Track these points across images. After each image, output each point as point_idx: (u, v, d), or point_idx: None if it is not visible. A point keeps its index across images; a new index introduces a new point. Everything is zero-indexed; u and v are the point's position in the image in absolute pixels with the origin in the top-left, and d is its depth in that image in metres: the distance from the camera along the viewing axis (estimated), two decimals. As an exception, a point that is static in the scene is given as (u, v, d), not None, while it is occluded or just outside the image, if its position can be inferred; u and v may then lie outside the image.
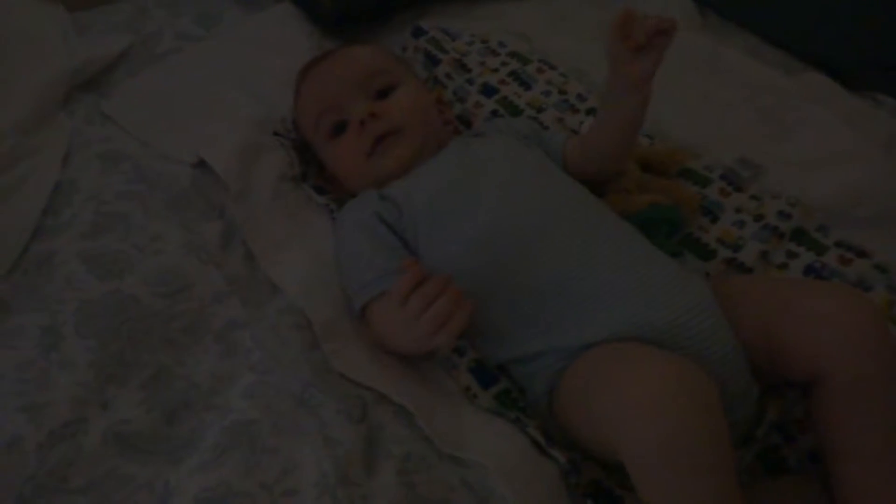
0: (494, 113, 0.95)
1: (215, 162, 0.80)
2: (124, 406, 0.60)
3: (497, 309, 0.67)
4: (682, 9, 1.13)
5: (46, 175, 0.81)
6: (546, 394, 0.66)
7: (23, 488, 0.54)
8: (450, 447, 0.59)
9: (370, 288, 0.68)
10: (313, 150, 0.86)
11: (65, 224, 0.74)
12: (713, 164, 0.87)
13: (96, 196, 0.77)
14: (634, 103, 0.72)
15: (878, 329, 0.58)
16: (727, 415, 0.53)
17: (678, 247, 0.78)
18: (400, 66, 0.87)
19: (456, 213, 0.70)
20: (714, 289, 0.67)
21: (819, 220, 0.80)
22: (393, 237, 0.71)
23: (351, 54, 0.85)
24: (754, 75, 0.99)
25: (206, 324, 0.67)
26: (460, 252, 0.69)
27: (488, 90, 0.98)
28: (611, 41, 0.68)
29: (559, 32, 1.09)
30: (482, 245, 0.68)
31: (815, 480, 0.62)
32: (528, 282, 0.66)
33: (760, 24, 1.11)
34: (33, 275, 0.69)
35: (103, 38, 1.05)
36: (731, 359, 0.62)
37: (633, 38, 0.66)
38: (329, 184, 0.85)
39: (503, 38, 1.06)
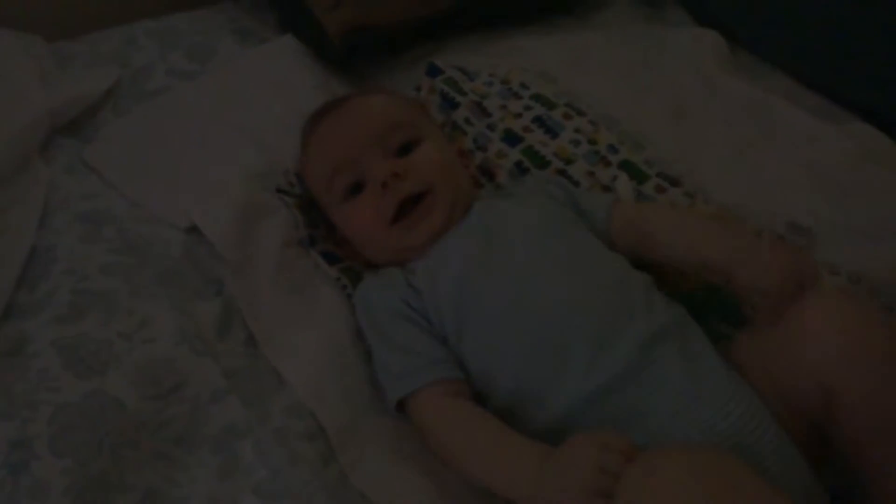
0: (518, 164, 0.87)
1: (210, 230, 0.71)
2: (106, 545, 0.51)
3: (539, 416, 0.59)
4: (713, 46, 1.05)
5: (21, 239, 0.72)
6: None
7: None
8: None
9: (418, 375, 0.60)
10: (322, 210, 0.77)
11: (40, 302, 0.66)
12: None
13: (76, 270, 0.68)
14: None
15: (879, 336, 0.54)
16: None
17: (729, 329, 0.70)
18: (422, 117, 0.78)
19: (483, 311, 0.62)
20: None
21: (884, 300, 0.72)
22: (426, 323, 0.64)
23: (368, 104, 0.76)
24: (798, 125, 0.92)
25: (201, 430, 0.59)
26: (494, 349, 0.61)
27: (511, 138, 0.89)
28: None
29: (584, 72, 1.01)
30: (518, 342, 0.60)
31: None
32: (573, 385, 0.58)
33: (797, 66, 1.03)
34: (3, 369, 0.60)
35: (87, 72, 0.95)
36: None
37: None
38: (340, 248, 0.77)
39: (525, 78, 0.97)
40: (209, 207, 0.73)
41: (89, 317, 0.63)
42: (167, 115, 0.90)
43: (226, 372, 0.63)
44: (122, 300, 0.65)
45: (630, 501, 0.46)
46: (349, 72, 1.00)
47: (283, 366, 0.64)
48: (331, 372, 0.64)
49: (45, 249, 0.70)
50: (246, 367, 0.64)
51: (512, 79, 0.97)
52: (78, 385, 0.58)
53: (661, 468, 0.46)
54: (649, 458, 0.48)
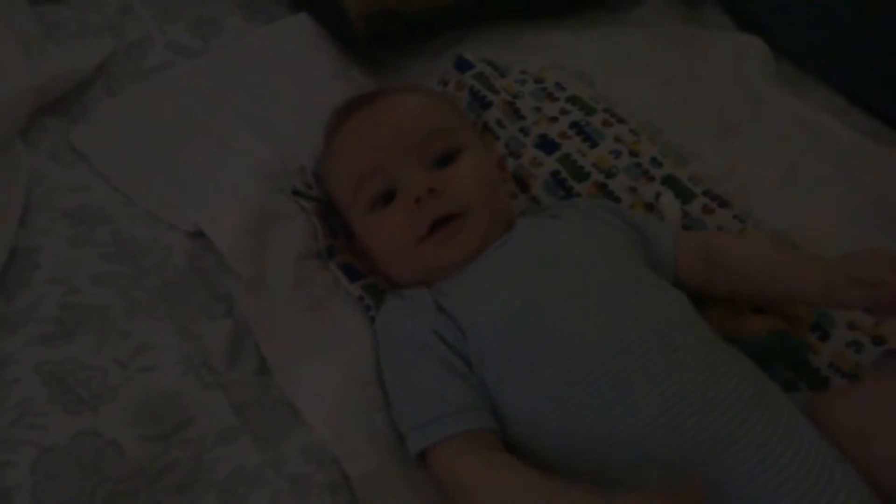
0: (555, 175, 0.79)
1: (220, 238, 0.63)
2: None
3: (595, 474, 0.52)
4: (758, 55, 0.99)
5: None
6: None
7: None
8: None
9: (440, 426, 0.53)
10: (343, 216, 0.69)
11: (21, 315, 0.57)
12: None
13: (63, 279, 0.59)
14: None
15: None
16: None
17: (794, 379, 0.64)
18: (463, 123, 0.71)
19: (538, 351, 0.55)
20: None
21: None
22: (459, 362, 0.56)
23: (404, 105, 0.68)
24: (852, 148, 0.85)
25: (207, 475, 0.51)
26: (546, 402, 0.54)
27: (547, 145, 0.82)
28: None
29: (623, 74, 0.93)
30: (576, 393, 0.53)
31: None
32: (637, 445, 0.51)
33: (845, 82, 0.97)
34: (-24, 397, 0.51)
35: (77, 43, 0.85)
36: None
37: None
38: (360, 260, 0.69)
39: (560, 77, 0.90)
40: (218, 211, 0.65)
41: (80, 338, 0.55)
42: (167, 97, 0.80)
43: (235, 406, 0.55)
44: (118, 319, 0.56)
45: None
46: (368, 58, 0.91)
47: (300, 400, 0.57)
48: (354, 409, 0.56)
49: (28, 252, 0.61)
50: (257, 400, 0.57)
51: (546, 77, 0.90)
52: (66, 423, 0.50)
53: None
54: None
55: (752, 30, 1.02)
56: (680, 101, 0.92)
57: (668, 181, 0.79)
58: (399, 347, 0.59)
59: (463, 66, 0.89)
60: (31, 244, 0.62)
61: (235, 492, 0.51)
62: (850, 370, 0.66)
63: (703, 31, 1.03)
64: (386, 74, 0.91)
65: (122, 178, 0.70)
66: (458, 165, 0.64)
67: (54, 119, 0.76)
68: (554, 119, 0.84)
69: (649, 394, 0.52)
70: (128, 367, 0.54)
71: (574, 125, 0.84)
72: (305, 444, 0.54)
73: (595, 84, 0.91)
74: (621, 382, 0.53)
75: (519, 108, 0.86)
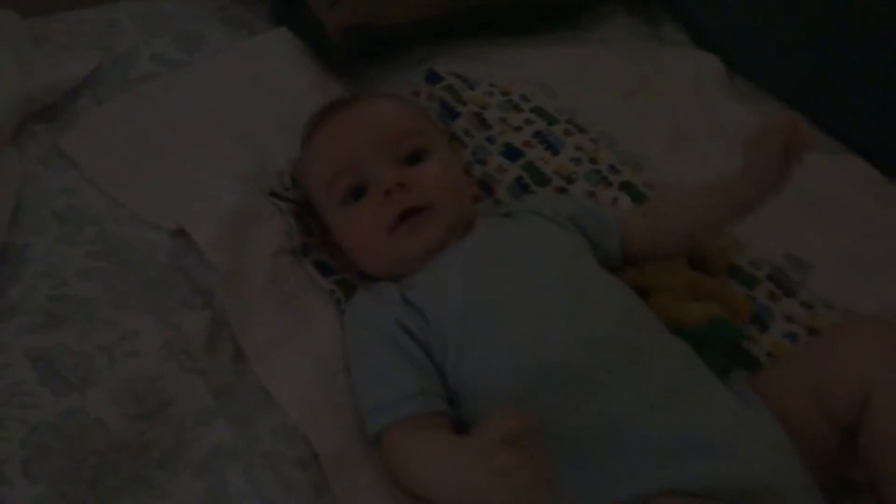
0: (518, 180, 0.85)
1: (200, 235, 0.67)
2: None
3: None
4: (713, 71, 1.05)
5: (-10, 235, 0.67)
6: None
7: None
8: None
9: (391, 410, 0.58)
10: (317, 212, 0.74)
11: (11, 306, 0.61)
12: (759, 260, 0.79)
13: (52, 273, 0.63)
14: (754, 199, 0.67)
15: None
16: None
17: (729, 365, 0.69)
18: (432, 128, 0.76)
19: (492, 331, 0.60)
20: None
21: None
22: (419, 351, 0.61)
23: (379, 108, 0.73)
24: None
25: (185, 452, 0.55)
26: (498, 380, 0.58)
27: (511, 152, 0.87)
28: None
29: (585, 87, 0.99)
30: (525, 373, 0.58)
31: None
32: (582, 421, 0.56)
33: (792, 95, 1.03)
34: (-31, 381, 0.55)
35: (65, 54, 0.89)
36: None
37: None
38: (334, 256, 0.74)
39: (526, 90, 0.96)
40: (198, 211, 0.69)
41: (67, 326, 0.59)
42: (151, 106, 0.85)
43: (213, 390, 0.59)
44: (104, 310, 0.61)
45: None
46: (344, 71, 0.96)
47: (273, 386, 0.61)
48: (322, 392, 0.61)
49: (18, 249, 0.65)
50: (233, 385, 0.61)
51: (513, 91, 0.95)
52: (55, 402, 0.54)
53: None
54: None
55: (708, 47, 1.09)
56: (638, 113, 0.98)
57: (625, 187, 0.84)
58: (362, 335, 0.63)
59: (433, 79, 0.95)
60: (21, 241, 0.66)
61: (212, 466, 0.55)
62: (787, 359, 0.71)
63: (663, 48, 1.10)
64: (362, 86, 0.96)
65: (109, 182, 0.74)
66: (426, 165, 0.69)
67: (44, 126, 0.81)
68: (518, 129, 0.90)
69: (601, 381, 0.57)
70: (112, 352, 0.58)
71: (537, 134, 0.89)
72: (278, 425, 0.58)
73: (559, 96, 0.97)
74: (576, 367, 0.58)
75: (486, 118, 0.91)
